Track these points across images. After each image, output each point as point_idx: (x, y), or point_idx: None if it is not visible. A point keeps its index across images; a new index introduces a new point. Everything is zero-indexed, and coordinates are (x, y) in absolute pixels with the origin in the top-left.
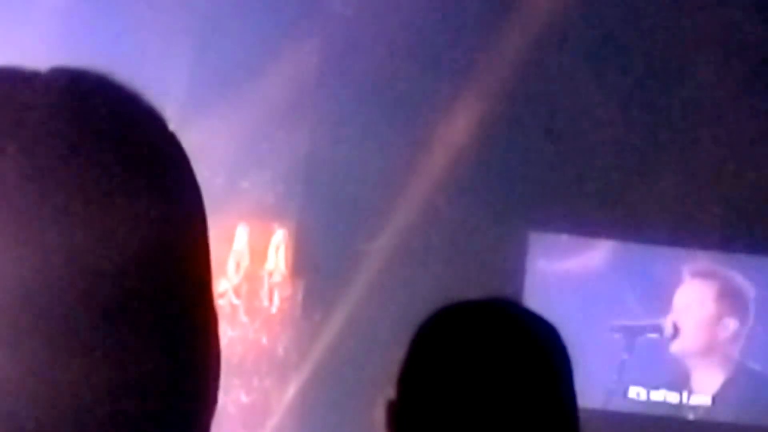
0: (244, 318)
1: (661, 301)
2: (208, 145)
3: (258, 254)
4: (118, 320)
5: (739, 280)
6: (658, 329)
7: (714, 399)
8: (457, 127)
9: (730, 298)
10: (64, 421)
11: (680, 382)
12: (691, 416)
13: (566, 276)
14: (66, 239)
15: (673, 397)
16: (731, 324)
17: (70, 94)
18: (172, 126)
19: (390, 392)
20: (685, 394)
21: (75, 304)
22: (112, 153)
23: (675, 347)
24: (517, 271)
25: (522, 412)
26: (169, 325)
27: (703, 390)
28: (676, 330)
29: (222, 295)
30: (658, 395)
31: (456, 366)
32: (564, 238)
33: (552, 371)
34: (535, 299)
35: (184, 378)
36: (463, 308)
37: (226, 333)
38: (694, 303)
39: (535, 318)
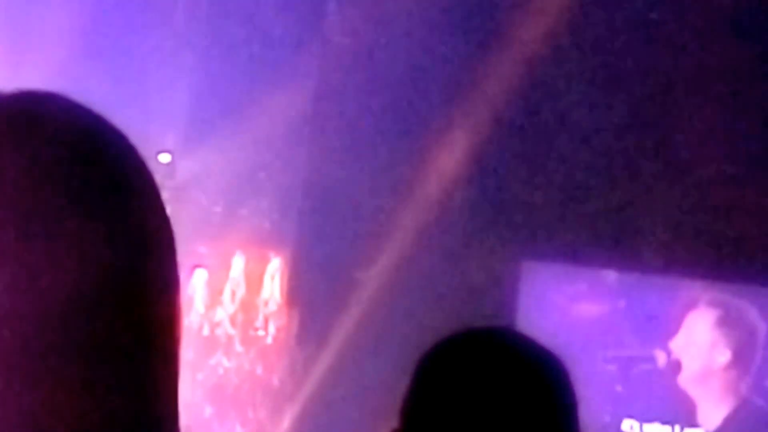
0: (239, 348)
1: (656, 331)
2: (206, 173)
3: (254, 282)
4: (79, 349)
5: (748, 311)
6: (652, 360)
7: None
8: (452, 157)
9: (730, 329)
10: None
11: (675, 414)
12: None
13: (560, 305)
14: (24, 268)
15: (666, 431)
16: (731, 355)
17: (31, 117)
18: (170, 157)
19: (392, 423)
20: (677, 428)
21: (35, 334)
22: (73, 179)
23: (674, 379)
24: (510, 300)
25: None
26: (131, 353)
27: (706, 424)
28: (676, 363)
29: (218, 325)
30: (652, 429)
31: (460, 398)
32: (558, 267)
33: (556, 404)
34: (529, 328)
35: (150, 403)
36: (466, 339)
37: (222, 364)
38: (698, 335)
39: (539, 349)
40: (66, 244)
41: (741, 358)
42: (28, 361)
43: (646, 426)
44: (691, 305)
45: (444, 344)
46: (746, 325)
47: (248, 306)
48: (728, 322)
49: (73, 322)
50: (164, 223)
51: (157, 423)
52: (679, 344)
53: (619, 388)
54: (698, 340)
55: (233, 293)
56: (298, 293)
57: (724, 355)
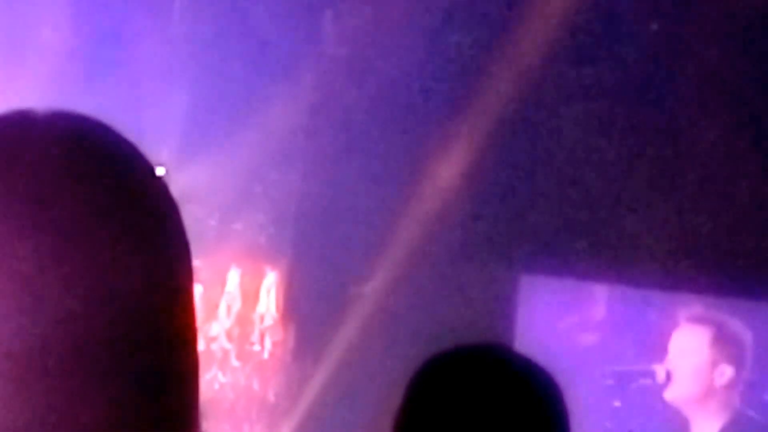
0: (235, 362)
1: (654, 346)
2: (202, 186)
3: (250, 297)
4: (101, 365)
5: (736, 325)
6: (651, 375)
7: None
8: (449, 170)
9: (727, 344)
10: None
11: (673, 429)
12: None
13: (558, 320)
14: (53, 284)
15: None
16: (728, 371)
17: (66, 138)
18: (165, 170)
19: None
20: None
21: (57, 348)
22: (102, 200)
23: (670, 395)
24: (507, 315)
25: None
26: (152, 371)
27: None
28: (670, 377)
29: (214, 339)
30: None
31: (451, 414)
32: (556, 282)
33: (548, 418)
34: (526, 343)
35: (166, 425)
36: (458, 355)
37: (217, 378)
38: (690, 349)
39: (531, 365)
40: (99, 266)
41: (733, 371)
42: (50, 377)
43: None
44: (684, 320)
45: (434, 361)
46: (736, 339)
47: (244, 321)
48: (719, 336)
49: (101, 340)
50: (187, 244)
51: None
52: (672, 359)
53: (617, 403)
54: (690, 354)
55: (229, 308)
56: (294, 308)
57: (716, 369)
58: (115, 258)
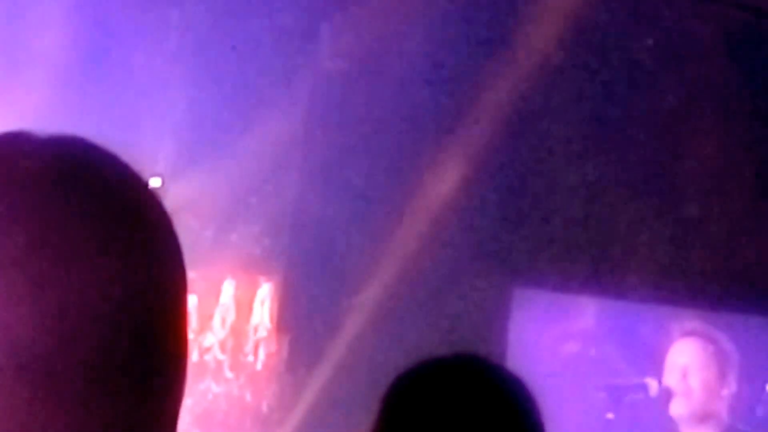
0: (229, 374)
1: (648, 360)
2: (197, 198)
3: (244, 308)
4: (99, 374)
5: (724, 339)
6: (644, 389)
7: None
8: (444, 183)
9: (721, 359)
10: None
11: None
12: None
13: (551, 333)
14: (48, 300)
15: None
16: (723, 385)
17: (59, 157)
18: (160, 181)
19: None
20: None
21: (56, 357)
22: (98, 218)
23: (665, 409)
24: (501, 328)
25: None
26: (142, 380)
27: None
28: (666, 392)
29: (208, 350)
30: None
31: (427, 426)
32: (549, 295)
33: (525, 429)
34: (519, 356)
35: (154, 427)
36: (433, 367)
37: (211, 389)
38: (687, 364)
39: (506, 375)
40: (95, 280)
41: (728, 386)
42: (32, 378)
43: None
44: (677, 334)
45: (407, 374)
46: (727, 354)
47: (238, 332)
48: (715, 351)
49: (83, 347)
50: (182, 259)
51: None
52: (669, 374)
53: (610, 415)
54: (687, 369)
55: (223, 319)
56: (288, 319)
57: (713, 384)
58: (109, 271)
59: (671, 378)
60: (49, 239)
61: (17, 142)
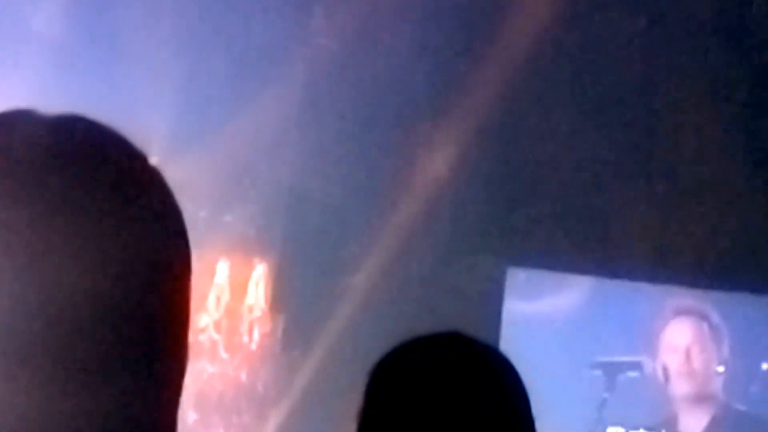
0: (224, 354)
1: (642, 338)
2: (192, 178)
3: (238, 289)
4: (98, 355)
5: (717, 317)
6: (639, 367)
7: None
8: (437, 162)
9: (715, 337)
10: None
11: (661, 422)
12: None
13: (545, 312)
14: (55, 274)
15: None
16: (719, 363)
17: (66, 138)
18: (156, 162)
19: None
20: None
21: (55, 336)
22: (103, 194)
23: (659, 387)
24: (494, 306)
25: None
26: (144, 355)
27: (687, 431)
28: (664, 371)
29: (203, 331)
30: None
31: (410, 401)
32: (542, 273)
33: (509, 405)
34: (513, 334)
35: (152, 409)
36: (415, 344)
37: (206, 369)
38: (682, 342)
39: (491, 351)
40: (101, 253)
41: (722, 363)
42: (34, 361)
43: None
44: (673, 313)
45: (392, 352)
46: (720, 332)
47: (233, 312)
48: (710, 329)
49: (85, 324)
50: (185, 233)
51: (156, 428)
52: (664, 352)
53: (605, 394)
54: (683, 347)
55: (218, 299)
56: (282, 299)
57: (703, 363)
58: (111, 248)
59: (670, 358)
60: (52, 216)
61: (21, 120)
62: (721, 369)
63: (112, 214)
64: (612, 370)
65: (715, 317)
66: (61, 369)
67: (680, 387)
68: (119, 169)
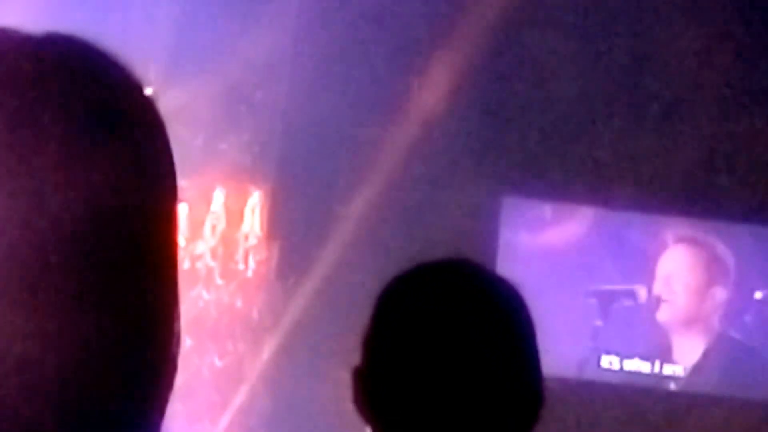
0: (219, 281)
1: (638, 267)
2: (187, 107)
3: (234, 216)
4: (82, 273)
5: (720, 247)
6: (634, 295)
7: (693, 369)
8: (433, 91)
9: (715, 266)
10: (12, 368)
11: (655, 351)
12: (672, 386)
13: (540, 242)
14: (40, 191)
15: (646, 367)
16: (717, 292)
17: (57, 58)
18: (151, 90)
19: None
20: (658, 364)
21: (32, 254)
22: (92, 116)
23: (657, 316)
24: (490, 236)
25: (484, 371)
26: (131, 287)
27: (683, 360)
28: (657, 298)
29: (199, 258)
30: (632, 365)
31: (416, 328)
32: (538, 203)
33: (515, 331)
34: (509, 263)
35: (142, 326)
36: (422, 270)
37: (201, 296)
38: (681, 270)
39: (496, 279)
40: (74, 166)
41: (721, 293)
42: (20, 281)
43: (626, 362)
44: (668, 242)
45: (397, 278)
46: (722, 261)
47: (228, 240)
48: (710, 257)
49: (72, 243)
50: (173, 164)
51: (148, 344)
52: (656, 280)
53: (599, 323)
54: (682, 275)
55: (213, 227)
56: (278, 227)
57: (707, 291)
58: (99, 173)
59: (659, 285)
60: (43, 139)
61: (13, 40)
62: (715, 297)
63: (100, 139)
64: (606, 298)
65: (718, 245)
66: (42, 293)
67: (667, 313)
68: (112, 91)
